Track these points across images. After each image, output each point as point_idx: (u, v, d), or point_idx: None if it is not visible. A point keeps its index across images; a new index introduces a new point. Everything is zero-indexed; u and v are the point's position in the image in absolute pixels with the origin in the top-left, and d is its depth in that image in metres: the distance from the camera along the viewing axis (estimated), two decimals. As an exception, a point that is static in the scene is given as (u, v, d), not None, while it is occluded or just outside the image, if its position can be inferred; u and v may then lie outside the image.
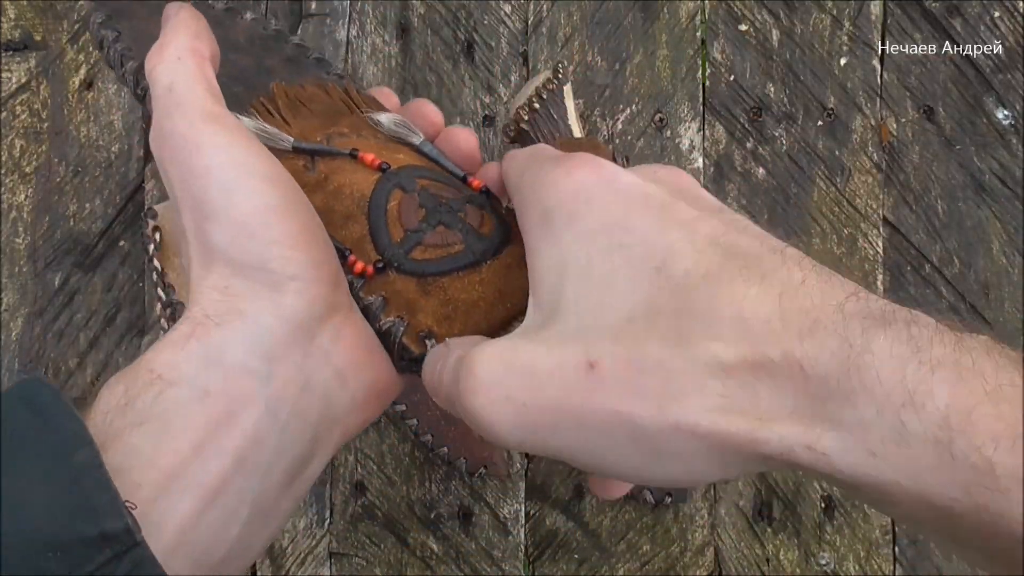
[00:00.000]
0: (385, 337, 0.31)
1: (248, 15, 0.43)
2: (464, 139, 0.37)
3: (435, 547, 0.56)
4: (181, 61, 0.29)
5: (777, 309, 0.21)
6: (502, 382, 0.23)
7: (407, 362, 0.31)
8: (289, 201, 0.29)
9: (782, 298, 0.21)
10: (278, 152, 0.34)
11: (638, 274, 0.23)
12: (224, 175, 0.28)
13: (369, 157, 0.34)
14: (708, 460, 0.21)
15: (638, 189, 0.25)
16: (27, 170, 0.60)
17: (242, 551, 0.26)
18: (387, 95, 0.40)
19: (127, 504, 0.22)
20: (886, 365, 0.19)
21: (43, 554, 0.20)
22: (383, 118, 0.37)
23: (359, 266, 0.31)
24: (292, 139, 0.35)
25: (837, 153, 0.59)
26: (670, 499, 0.54)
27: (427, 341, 0.30)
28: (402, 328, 0.30)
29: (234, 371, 0.26)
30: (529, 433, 0.23)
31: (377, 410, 0.31)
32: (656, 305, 0.22)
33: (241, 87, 0.37)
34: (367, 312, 0.31)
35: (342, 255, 0.31)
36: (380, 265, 0.31)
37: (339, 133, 0.36)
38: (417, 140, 0.37)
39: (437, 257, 0.31)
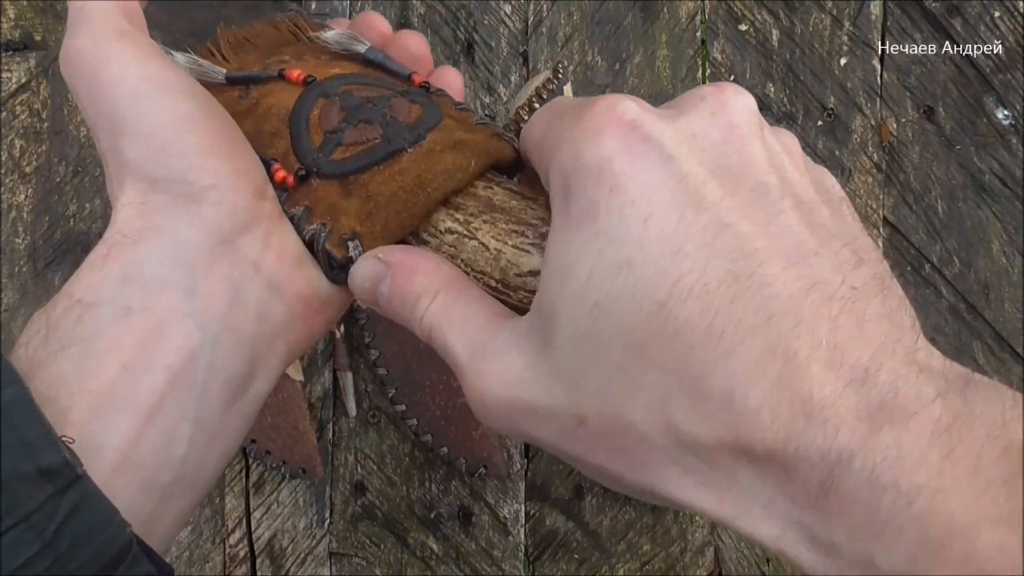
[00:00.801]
0: (312, 248, 0.29)
1: None
2: (415, 43, 0.36)
3: (435, 547, 0.56)
4: None
5: (770, 399, 0.20)
6: (507, 416, 0.24)
7: (336, 270, 0.29)
8: (204, 112, 0.28)
9: (779, 384, 0.20)
10: (214, 86, 0.33)
11: (640, 306, 0.21)
12: (134, 88, 0.27)
13: (294, 74, 0.33)
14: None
15: (673, 168, 0.21)
16: (27, 170, 0.60)
17: (192, 473, 0.25)
18: (378, 20, 0.38)
19: (64, 439, 0.21)
20: (863, 491, 0.18)
21: None
22: (329, 35, 0.36)
23: (280, 175, 0.30)
24: (224, 70, 0.34)
25: (837, 153, 0.59)
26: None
27: (349, 243, 0.29)
28: (324, 234, 0.29)
29: (155, 287, 0.25)
30: (521, 439, 0.24)
31: (320, 323, 0.30)
32: (649, 353, 0.21)
33: (195, 39, 0.37)
34: (294, 225, 0.30)
35: (268, 166, 0.30)
36: (302, 173, 0.30)
37: (279, 61, 0.35)
38: (363, 48, 0.36)
39: (355, 154, 0.30)
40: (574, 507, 0.57)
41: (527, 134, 0.27)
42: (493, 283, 0.28)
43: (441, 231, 0.29)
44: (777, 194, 0.22)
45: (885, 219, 0.59)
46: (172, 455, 0.24)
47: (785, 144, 0.24)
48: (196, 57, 0.33)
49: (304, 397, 0.56)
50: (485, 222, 0.29)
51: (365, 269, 0.28)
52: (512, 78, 0.60)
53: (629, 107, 0.22)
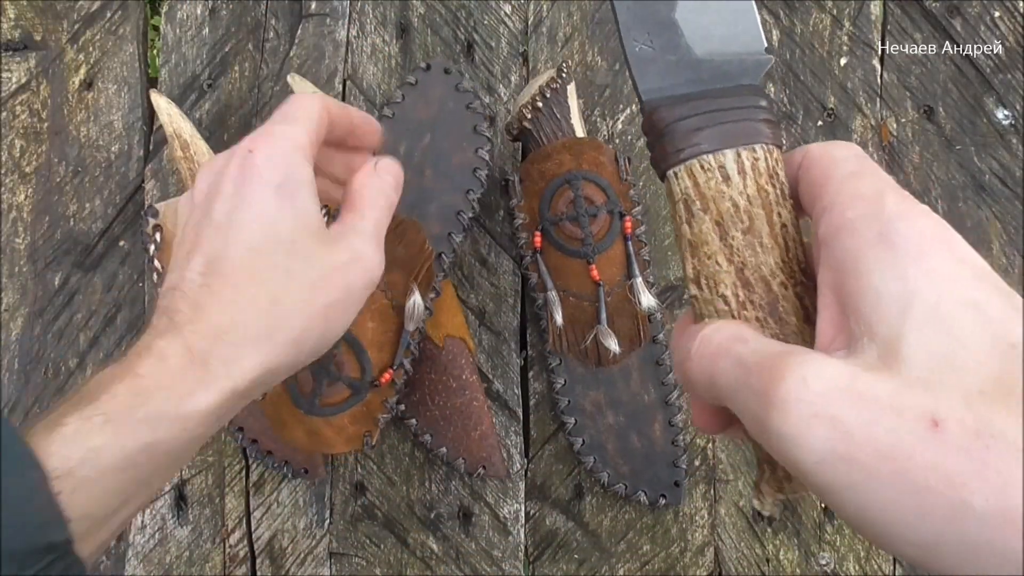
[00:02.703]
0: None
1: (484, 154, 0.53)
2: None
3: (435, 547, 0.56)
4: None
5: None
6: (834, 401, 0.22)
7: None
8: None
9: None
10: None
11: (993, 343, 0.22)
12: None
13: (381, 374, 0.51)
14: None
15: (979, 261, 0.24)
16: (27, 170, 0.60)
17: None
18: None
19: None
20: None
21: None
22: (411, 302, 0.51)
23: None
24: (391, 296, 0.50)
25: (837, 153, 0.59)
26: (664, 500, 0.54)
27: (267, 459, 0.55)
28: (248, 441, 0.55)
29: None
30: (834, 463, 0.22)
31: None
32: (1009, 384, 0.21)
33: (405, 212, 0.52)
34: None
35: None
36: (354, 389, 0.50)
37: (393, 291, 0.51)
38: (410, 327, 0.51)
39: (327, 403, 0.49)
40: (574, 507, 0.57)
41: (824, 161, 0.28)
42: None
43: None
44: None
45: (885, 219, 0.59)
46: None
47: None
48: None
49: (304, 397, 0.56)
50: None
51: (685, 332, 0.29)
52: (512, 78, 0.60)
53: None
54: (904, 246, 0.24)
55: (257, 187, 0.34)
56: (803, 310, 0.28)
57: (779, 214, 0.28)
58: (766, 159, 0.28)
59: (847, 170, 0.27)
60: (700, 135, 0.28)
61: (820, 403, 0.22)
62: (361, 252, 0.36)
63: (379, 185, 0.39)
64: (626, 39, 0.29)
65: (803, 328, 0.28)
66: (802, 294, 0.28)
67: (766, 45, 0.30)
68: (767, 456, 0.27)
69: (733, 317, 0.28)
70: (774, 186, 0.28)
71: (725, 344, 0.26)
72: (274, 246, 0.34)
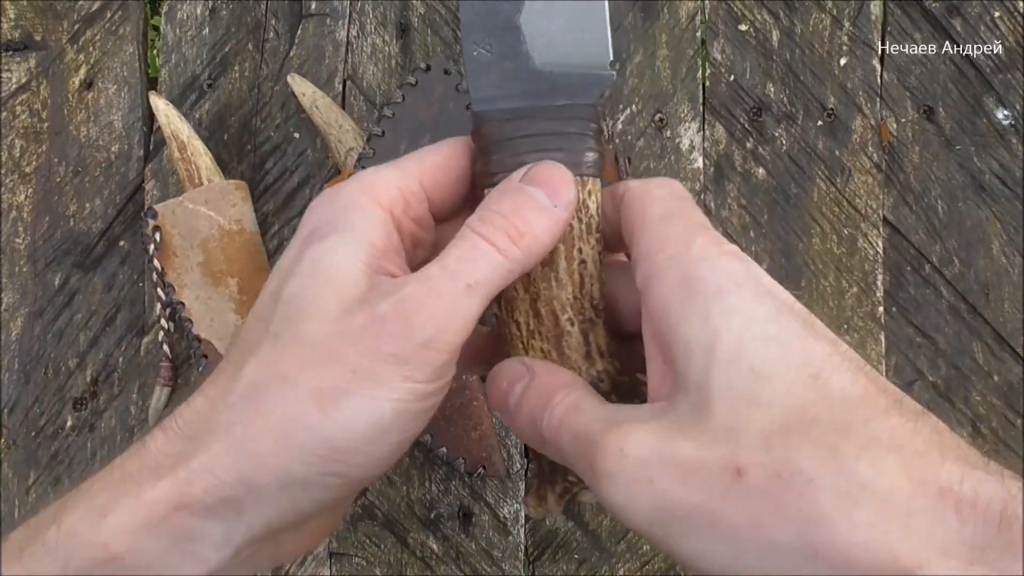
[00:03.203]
0: None
1: None
2: None
3: (435, 547, 0.56)
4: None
5: (936, 444, 0.21)
6: (648, 467, 0.23)
7: None
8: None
9: (938, 435, 0.21)
10: None
11: (794, 375, 0.22)
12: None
13: None
14: None
15: (784, 294, 0.24)
16: (27, 170, 0.60)
17: None
18: None
19: None
20: None
21: None
22: None
23: None
24: None
25: (837, 153, 0.59)
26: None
27: None
28: None
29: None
30: (660, 521, 0.23)
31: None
32: (811, 414, 0.22)
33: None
34: None
35: None
36: None
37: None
38: None
39: None
40: (574, 507, 0.57)
41: (633, 199, 0.28)
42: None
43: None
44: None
45: (885, 219, 0.59)
46: None
47: None
48: None
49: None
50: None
51: (510, 370, 0.28)
52: (512, 78, 0.60)
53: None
54: (705, 289, 0.24)
55: (292, 243, 0.27)
56: (585, 347, 0.28)
57: (580, 249, 0.28)
58: (576, 192, 0.28)
59: (661, 211, 0.27)
60: (517, 160, 0.27)
61: (636, 471, 0.23)
62: (397, 307, 0.25)
63: (511, 205, 0.27)
64: (466, 41, 0.28)
65: (582, 365, 0.28)
66: (588, 331, 0.28)
67: (612, 58, 0.28)
68: (540, 472, 0.29)
69: (522, 344, 0.29)
70: (580, 220, 0.28)
71: (565, 417, 0.26)
72: (270, 306, 0.26)
